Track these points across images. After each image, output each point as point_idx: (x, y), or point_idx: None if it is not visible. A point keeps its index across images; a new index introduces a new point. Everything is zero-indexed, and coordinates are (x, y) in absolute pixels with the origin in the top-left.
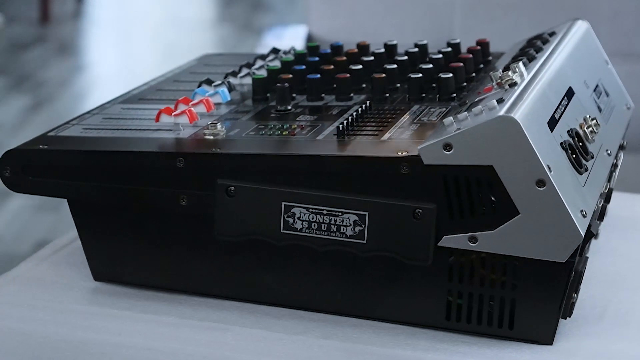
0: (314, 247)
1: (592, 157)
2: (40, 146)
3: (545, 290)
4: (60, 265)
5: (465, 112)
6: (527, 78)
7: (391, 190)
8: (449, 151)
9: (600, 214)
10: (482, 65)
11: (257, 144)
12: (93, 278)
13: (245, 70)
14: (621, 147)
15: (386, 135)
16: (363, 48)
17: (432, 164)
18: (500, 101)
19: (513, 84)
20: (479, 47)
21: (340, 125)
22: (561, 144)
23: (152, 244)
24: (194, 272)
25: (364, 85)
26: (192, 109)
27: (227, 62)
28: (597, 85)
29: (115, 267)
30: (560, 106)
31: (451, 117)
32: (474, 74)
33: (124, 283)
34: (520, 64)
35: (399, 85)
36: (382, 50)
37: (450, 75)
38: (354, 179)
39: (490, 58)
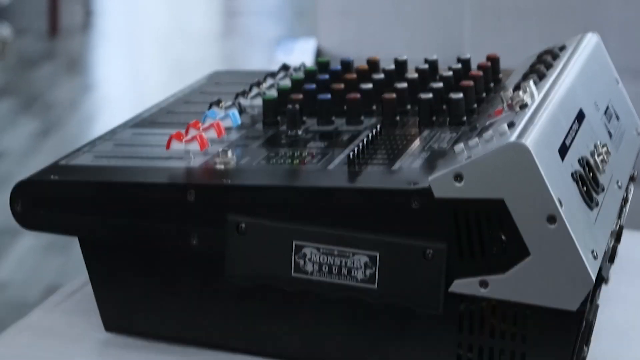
0: (324, 292)
1: (603, 190)
2: (52, 177)
3: (556, 343)
4: (71, 314)
5: (476, 138)
6: (537, 99)
7: (402, 226)
8: (459, 182)
9: (611, 256)
10: (492, 84)
11: (267, 174)
12: (104, 328)
13: (255, 90)
14: (631, 179)
15: (397, 164)
16: (373, 64)
17: (443, 197)
18: (510, 125)
19: (524, 106)
20: (489, 64)
21: (351, 154)
22: (572, 174)
23: (162, 290)
24: (207, 321)
25: (374, 107)
26: (203, 134)
27: (237, 80)
28: (607, 107)
29: (126, 317)
30: (570, 131)
31: (462, 144)
32: (484, 94)
33: (135, 334)
34: (531, 82)
35: (409, 106)
36: (392, 67)
37: (461, 96)
38: (365, 213)
39: (500, 75)
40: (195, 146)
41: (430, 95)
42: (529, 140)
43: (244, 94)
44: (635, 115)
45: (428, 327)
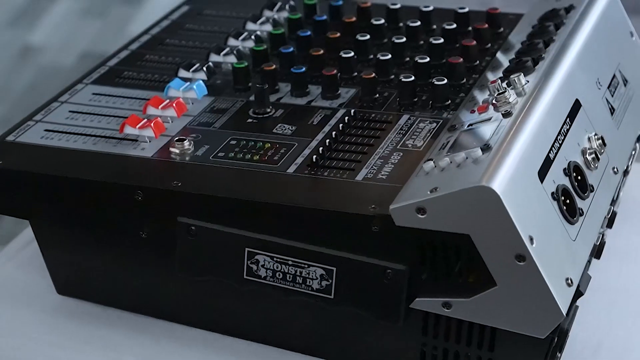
0: (279, 296)
1: (592, 190)
2: None
3: (526, 355)
4: (24, 270)
5: (447, 159)
6: (522, 102)
7: (361, 246)
8: (422, 215)
9: (598, 251)
10: (490, 45)
11: (221, 176)
12: (56, 291)
13: (230, 43)
14: (638, 139)
15: (362, 172)
16: (363, 12)
17: (405, 226)
18: (485, 149)
19: (507, 114)
20: (486, 25)
21: (315, 156)
22: (552, 193)
23: (115, 263)
24: (161, 295)
25: (355, 74)
26: (160, 118)
27: (219, 13)
28: (613, 77)
29: (78, 283)
30: (558, 137)
31: (432, 162)
32: (477, 62)
33: (88, 299)
34: (522, 77)
35: (394, 71)
36: (382, 21)
37: (444, 82)
38: (322, 230)
39: (501, 30)
40: (149, 132)
41: (411, 78)
42: (499, 181)
43: (217, 50)
44: None
45: (391, 328)
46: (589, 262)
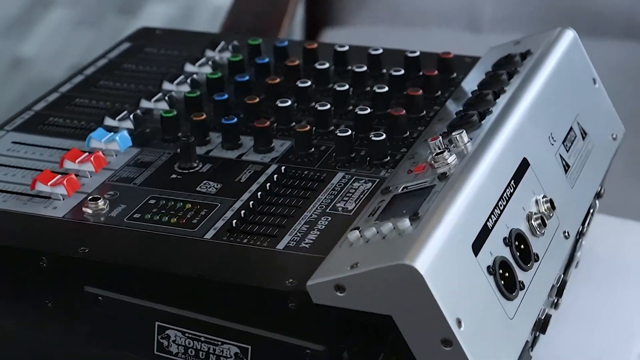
0: None
1: (537, 259)
2: None
3: None
4: None
5: (374, 228)
6: (462, 164)
7: (279, 323)
8: (341, 293)
9: (544, 324)
10: (439, 93)
11: (132, 242)
12: None
13: (165, 88)
14: (598, 196)
15: (285, 240)
16: (309, 55)
17: (323, 304)
18: (414, 218)
19: (444, 177)
20: (436, 72)
21: (235, 221)
22: (488, 267)
23: (25, 333)
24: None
25: (293, 124)
26: (74, 175)
27: (160, 51)
28: (570, 130)
29: None
30: (499, 205)
31: (358, 232)
32: (424, 112)
33: None
34: (464, 134)
35: (332, 127)
36: (326, 65)
37: (382, 137)
38: (236, 305)
39: (454, 75)
40: (62, 190)
41: (348, 132)
42: (424, 258)
43: (149, 95)
44: (614, 115)
45: None
46: (537, 337)
